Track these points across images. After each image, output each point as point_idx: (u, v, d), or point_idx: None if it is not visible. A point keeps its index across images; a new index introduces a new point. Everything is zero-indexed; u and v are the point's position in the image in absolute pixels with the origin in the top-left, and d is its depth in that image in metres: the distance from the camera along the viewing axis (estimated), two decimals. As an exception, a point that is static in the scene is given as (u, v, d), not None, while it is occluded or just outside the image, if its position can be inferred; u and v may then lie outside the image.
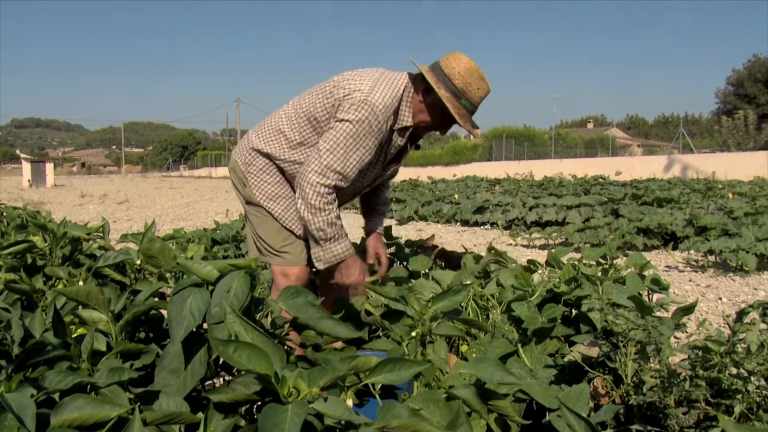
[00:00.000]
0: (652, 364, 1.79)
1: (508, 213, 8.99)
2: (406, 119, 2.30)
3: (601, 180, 15.96)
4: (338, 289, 2.52)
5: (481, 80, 2.24)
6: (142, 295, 1.39)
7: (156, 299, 1.42)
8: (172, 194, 21.90)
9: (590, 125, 71.14)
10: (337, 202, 2.26)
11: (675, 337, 3.22)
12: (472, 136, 2.37)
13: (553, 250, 2.65)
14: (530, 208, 9.02)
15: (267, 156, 2.42)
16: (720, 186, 12.17)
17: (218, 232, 5.78)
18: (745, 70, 44.57)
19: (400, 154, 2.49)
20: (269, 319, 1.47)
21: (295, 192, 2.40)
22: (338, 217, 2.25)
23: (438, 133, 2.44)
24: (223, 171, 59.95)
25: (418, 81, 2.29)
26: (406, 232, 8.77)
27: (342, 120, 2.18)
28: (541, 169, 26.71)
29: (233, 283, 1.16)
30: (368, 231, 2.71)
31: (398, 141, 2.37)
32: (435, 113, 2.28)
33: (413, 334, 1.28)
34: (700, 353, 1.60)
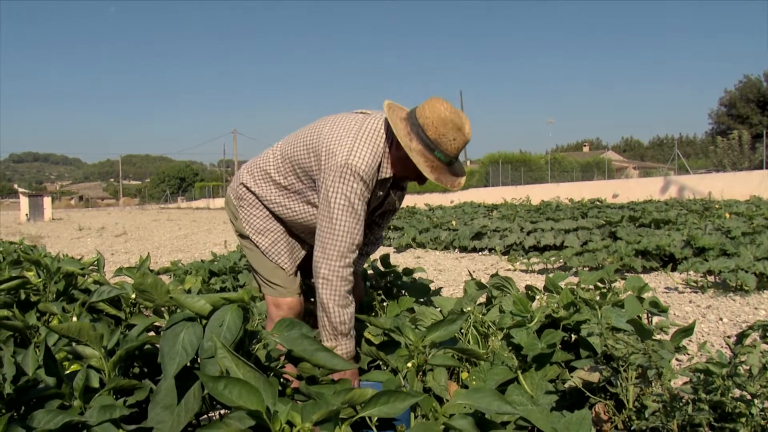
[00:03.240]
0: (653, 389, 1.77)
1: (506, 238, 8.98)
2: (386, 171, 2.25)
3: (598, 203, 15.99)
4: None
5: (457, 131, 2.14)
6: (135, 330, 1.37)
7: (150, 333, 1.40)
8: (169, 226, 21.87)
9: (586, 149, 71.50)
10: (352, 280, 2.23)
11: (676, 360, 3.19)
12: (444, 186, 2.23)
13: (551, 275, 2.64)
14: (528, 233, 9.01)
15: (255, 194, 2.46)
16: (717, 206, 12.19)
17: (216, 263, 5.75)
18: (737, 91, 44.96)
19: (383, 201, 2.45)
20: (265, 351, 1.46)
21: (283, 226, 2.47)
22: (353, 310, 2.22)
23: (417, 183, 2.36)
24: (220, 202, 59.95)
25: (392, 133, 2.23)
26: (404, 260, 8.74)
27: (332, 194, 2.14)
28: (538, 193, 26.78)
29: (226, 317, 1.14)
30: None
31: (379, 192, 2.32)
32: (410, 164, 2.19)
33: (409, 365, 1.26)
34: (702, 376, 1.58)
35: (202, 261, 6.21)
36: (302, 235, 2.50)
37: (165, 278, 6.96)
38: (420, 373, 1.69)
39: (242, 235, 2.52)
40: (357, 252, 2.19)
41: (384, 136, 2.23)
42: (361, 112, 2.37)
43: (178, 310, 1.25)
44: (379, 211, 2.49)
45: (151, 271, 2.39)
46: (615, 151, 71.86)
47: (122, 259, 10.14)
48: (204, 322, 1.21)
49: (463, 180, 2.27)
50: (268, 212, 2.46)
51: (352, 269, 2.16)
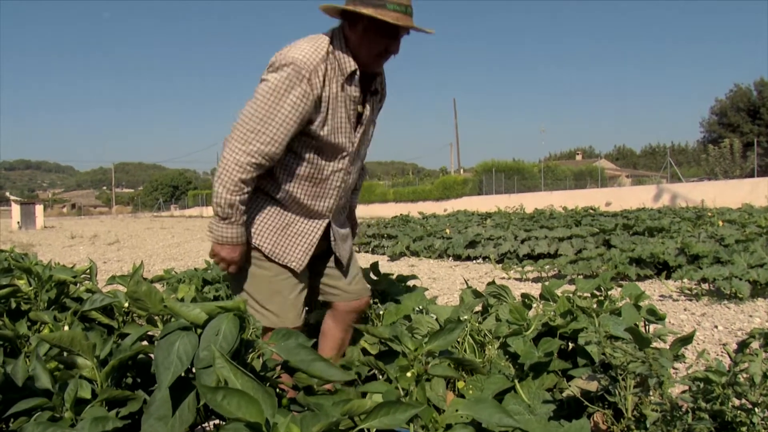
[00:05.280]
0: (652, 398, 1.75)
1: (500, 247, 8.97)
2: (349, 65, 2.12)
3: (591, 211, 16.00)
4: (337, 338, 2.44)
5: None
6: (128, 340, 1.35)
7: (144, 343, 1.38)
8: (162, 234, 21.78)
9: (579, 157, 71.78)
10: (254, 182, 2.10)
11: (674, 368, 3.18)
12: (428, 32, 2.12)
13: (546, 283, 2.63)
14: (522, 241, 9.00)
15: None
16: (709, 214, 12.22)
17: (209, 272, 5.71)
18: (727, 100, 45.29)
19: (363, 116, 2.27)
20: (261, 360, 1.43)
21: (290, 208, 2.25)
22: (244, 202, 2.09)
23: (393, 56, 2.19)
24: (213, 210, 59.72)
25: (343, 25, 2.14)
26: (398, 268, 8.72)
27: (263, 80, 2.05)
28: (532, 201, 26.82)
29: (222, 326, 1.12)
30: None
31: (352, 92, 2.16)
32: (372, 36, 2.07)
33: (408, 374, 1.24)
34: (702, 385, 1.57)
35: (195, 269, 6.16)
36: (310, 201, 2.24)
37: (158, 286, 6.91)
38: (417, 383, 1.67)
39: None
40: (269, 147, 2.03)
41: (328, 38, 2.13)
42: None
43: (173, 319, 1.23)
44: (364, 133, 2.30)
45: (145, 279, 2.36)
46: (608, 159, 72.21)
47: (115, 268, 10.09)
48: (199, 331, 1.19)
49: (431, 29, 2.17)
50: (265, 206, 2.24)
51: (255, 162, 2.03)
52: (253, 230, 2.22)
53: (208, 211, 59.83)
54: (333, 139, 2.16)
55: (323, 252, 2.38)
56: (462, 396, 2.06)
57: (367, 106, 2.27)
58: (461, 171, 47.78)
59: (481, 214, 18.20)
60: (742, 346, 1.45)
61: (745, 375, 1.47)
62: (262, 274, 2.24)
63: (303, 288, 2.32)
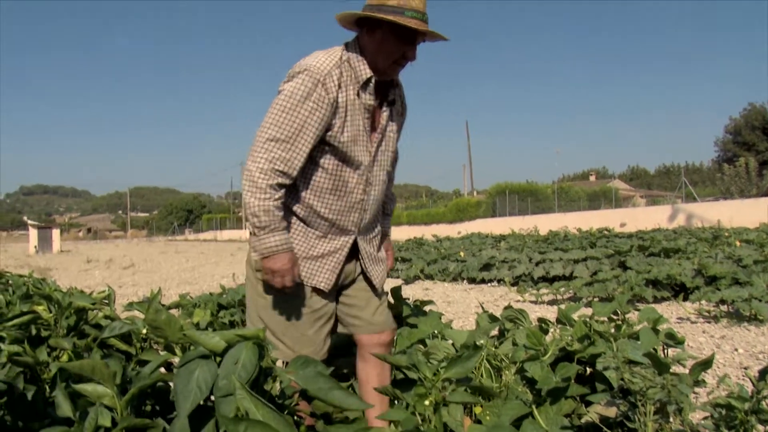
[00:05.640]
0: (673, 424, 1.73)
1: (515, 269, 8.93)
2: (364, 72, 2.12)
3: (606, 232, 15.93)
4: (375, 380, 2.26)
5: None
6: (148, 368, 1.35)
7: (162, 371, 1.39)
8: (177, 258, 21.91)
9: (592, 178, 71.50)
10: (284, 190, 2.07)
11: (694, 393, 3.13)
12: (444, 38, 2.13)
13: (563, 307, 2.61)
14: (537, 264, 8.96)
15: None
16: (726, 234, 12.12)
17: (224, 296, 5.73)
18: (742, 118, 45.09)
19: (380, 125, 2.24)
20: (278, 385, 1.44)
21: (317, 225, 2.21)
22: (279, 208, 2.05)
23: (410, 63, 2.19)
24: (228, 234, 60.21)
25: (359, 34, 2.16)
26: (412, 291, 8.70)
27: (279, 91, 2.06)
28: (546, 223, 26.75)
29: (241, 355, 1.13)
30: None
31: (367, 100, 2.15)
32: (391, 42, 2.08)
33: (426, 402, 1.24)
34: (724, 411, 1.55)
35: (210, 294, 6.19)
36: (333, 212, 2.20)
37: (175, 312, 6.95)
38: (435, 410, 1.66)
39: (260, 270, 2.18)
40: (290, 153, 2.02)
41: (342, 48, 2.15)
42: None
43: (191, 347, 1.23)
44: (383, 143, 2.26)
45: (162, 305, 2.37)
46: (621, 179, 71.89)
47: (130, 292, 10.14)
48: (218, 359, 1.20)
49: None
50: (288, 219, 2.17)
51: (277, 170, 2.01)
52: None
53: (222, 234, 60.20)
54: (352, 147, 2.14)
55: (350, 280, 2.32)
56: (479, 422, 2.05)
57: (384, 115, 2.26)
58: (475, 193, 47.76)
59: (496, 237, 18.18)
60: (765, 373, 1.43)
61: None
62: (281, 303, 2.18)
63: (324, 324, 2.24)
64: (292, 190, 2.17)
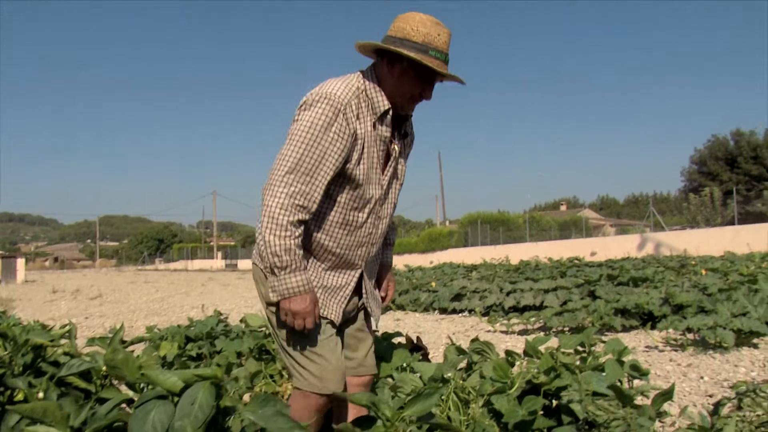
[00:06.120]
0: (636, 457, 1.74)
1: (486, 299, 8.95)
2: (382, 104, 2.07)
3: (576, 261, 16.11)
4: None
5: (437, 26, 2.03)
6: (104, 408, 1.32)
7: (124, 407, 1.36)
8: (146, 288, 21.56)
9: (563, 207, 72.44)
10: (303, 227, 1.99)
11: (660, 421, 3.15)
12: (462, 82, 2.12)
13: (530, 339, 2.63)
14: (507, 294, 8.99)
15: None
16: (693, 262, 12.34)
17: (192, 329, 5.64)
18: (706, 149, 46.21)
19: (392, 157, 2.20)
20: (241, 425, 1.42)
21: (324, 260, 2.15)
22: (299, 246, 1.97)
23: (425, 100, 2.16)
24: (199, 264, 59.61)
25: (377, 63, 2.11)
26: (383, 322, 8.66)
27: (296, 120, 1.99)
28: (517, 252, 26.98)
29: (198, 395, 1.11)
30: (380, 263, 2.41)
31: (384, 132, 2.10)
32: (411, 78, 2.05)
33: (384, 441, 1.23)
34: (684, 444, 1.57)
35: (178, 326, 6.08)
36: (341, 247, 2.15)
37: (139, 346, 6.84)
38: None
39: (270, 304, 2.14)
40: (309, 186, 1.95)
41: (360, 75, 2.10)
42: None
43: (149, 387, 1.21)
44: (394, 176, 2.22)
45: (124, 342, 2.33)
46: (592, 209, 72.92)
47: (96, 323, 9.94)
48: (176, 399, 1.18)
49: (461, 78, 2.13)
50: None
51: (298, 204, 1.93)
52: None
53: (193, 264, 59.54)
54: (366, 180, 2.09)
55: (351, 317, 2.28)
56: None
57: (396, 148, 2.21)
58: (447, 223, 48.04)
59: (467, 266, 18.25)
60: (718, 407, 1.46)
61: (726, 433, 1.47)
62: (300, 334, 2.07)
63: (341, 350, 2.18)
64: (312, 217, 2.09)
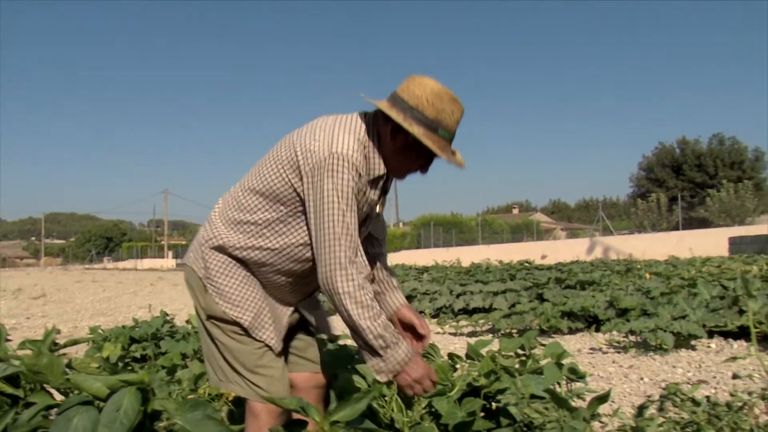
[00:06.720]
0: (570, 458, 1.78)
1: (436, 301, 9.02)
2: (379, 168, 1.96)
3: (526, 264, 16.36)
4: None
5: (453, 102, 1.93)
6: (27, 414, 1.29)
7: (45, 416, 1.32)
8: (93, 288, 21.03)
9: (515, 211, 73.56)
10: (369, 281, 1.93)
11: (600, 422, 3.22)
12: (454, 164, 2.00)
13: (472, 343, 2.66)
14: (457, 296, 9.08)
15: (222, 250, 2.02)
16: (638, 266, 12.67)
17: (137, 330, 5.54)
18: (653, 156, 47.61)
19: (372, 210, 2.12)
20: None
21: (268, 288, 2.08)
22: (378, 306, 1.90)
23: (420, 174, 2.08)
24: (148, 263, 58.45)
25: (380, 121, 1.97)
26: (333, 324, 8.65)
27: (323, 194, 1.85)
28: (470, 255, 27.24)
29: (123, 401, 1.09)
30: (398, 306, 2.27)
31: (371, 194, 2.00)
32: (411, 153, 1.96)
33: (313, 447, 1.23)
34: (613, 446, 1.61)
35: (123, 326, 5.96)
36: (289, 282, 2.09)
37: (84, 347, 6.67)
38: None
39: (212, 317, 2.02)
40: (358, 252, 1.89)
41: (364, 127, 1.96)
42: (329, 115, 2.07)
43: (74, 393, 1.18)
44: (365, 226, 2.12)
45: (56, 344, 2.26)
46: (543, 212, 74.29)
47: (38, 323, 9.64)
48: (102, 405, 1.15)
49: (460, 157, 2.03)
50: (243, 273, 2.04)
51: (365, 281, 1.88)
52: (229, 301, 2.00)
53: (143, 263, 58.35)
54: None
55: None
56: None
57: (379, 209, 2.15)
58: (400, 224, 48.24)
59: (419, 268, 18.34)
60: (642, 410, 1.50)
61: (653, 435, 1.52)
62: (242, 349, 2.00)
63: (284, 359, 2.14)
64: (263, 240, 2.00)
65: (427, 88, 1.91)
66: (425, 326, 2.20)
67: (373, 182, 1.98)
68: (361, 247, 1.92)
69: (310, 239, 1.96)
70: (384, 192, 2.11)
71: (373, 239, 2.25)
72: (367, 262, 1.95)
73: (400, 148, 1.95)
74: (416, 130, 1.87)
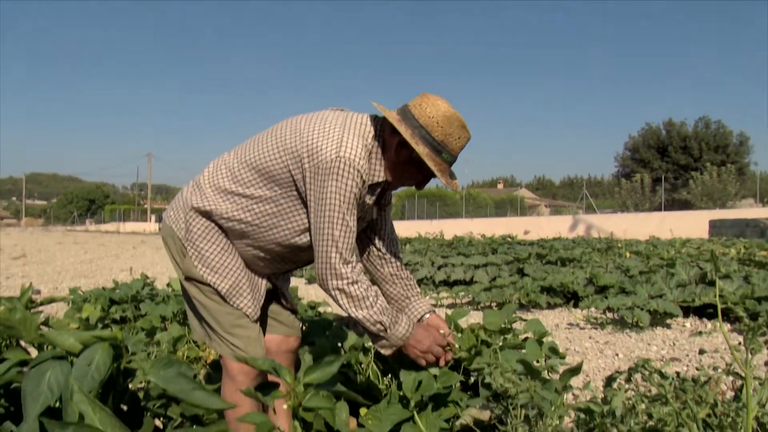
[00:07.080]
0: (541, 427, 1.81)
1: (417, 272, 9.06)
2: (378, 174, 1.99)
3: (509, 239, 16.46)
4: None
5: (461, 128, 1.96)
6: (2, 367, 1.28)
7: (18, 372, 1.31)
8: (75, 249, 20.90)
9: (500, 186, 73.79)
10: (364, 272, 2.04)
11: (573, 394, 3.28)
12: (450, 188, 2.04)
13: (449, 313, 2.68)
14: (439, 268, 9.13)
15: (208, 215, 2.02)
16: (619, 245, 12.78)
17: (117, 291, 5.53)
18: (640, 137, 47.79)
19: (367, 214, 2.15)
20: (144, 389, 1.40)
21: (245, 259, 2.10)
22: (377, 294, 2.00)
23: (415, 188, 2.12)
24: (131, 226, 58.14)
25: (387, 130, 1.98)
26: (314, 291, 8.66)
27: (326, 196, 1.87)
28: (453, 228, 27.36)
29: (95, 356, 1.09)
30: (423, 312, 2.32)
31: (367, 199, 2.03)
32: (412, 169, 2.00)
33: (285, 407, 1.24)
34: (582, 415, 1.64)
35: (103, 288, 5.95)
36: (266, 258, 2.12)
37: (63, 307, 6.64)
38: (294, 418, 1.66)
39: (190, 278, 2.04)
40: (353, 250, 1.96)
41: (372, 132, 1.98)
42: (339, 110, 2.09)
43: (48, 348, 1.18)
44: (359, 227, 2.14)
45: (33, 302, 2.25)
46: (528, 188, 74.56)
47: (17, 284, 9.58)
48: (75, 360, 1.15)
49: (458, 183, 2.07)
50: (225, 241, 2.05)
51: (361, 274, 1.96)
52: (209, 267, 2.02)
53: (125, 227, 58.03)
54: None
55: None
56: (362, 425, 2.07)
57: (375, 215, 2.20)
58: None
59: (401, 240, 18.38)
60: (610, 381, 1.53)
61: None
62: (220, 309, 2.04)
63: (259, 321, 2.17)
64: (248, 214, 2.01)
65: (440, 110, 1.93)
66: (451, 337, 2.27)
67: (371, 188, 2.01)
68: (353, 240, 1.97)
69: (298, 227, 2.02)
70: (380, 202, 2.15)
71: (392, 240, 2.32)
72: (352, 247, 1.97)
73: (402, 162, 1.98)
74: (421, 150, 1.90)
